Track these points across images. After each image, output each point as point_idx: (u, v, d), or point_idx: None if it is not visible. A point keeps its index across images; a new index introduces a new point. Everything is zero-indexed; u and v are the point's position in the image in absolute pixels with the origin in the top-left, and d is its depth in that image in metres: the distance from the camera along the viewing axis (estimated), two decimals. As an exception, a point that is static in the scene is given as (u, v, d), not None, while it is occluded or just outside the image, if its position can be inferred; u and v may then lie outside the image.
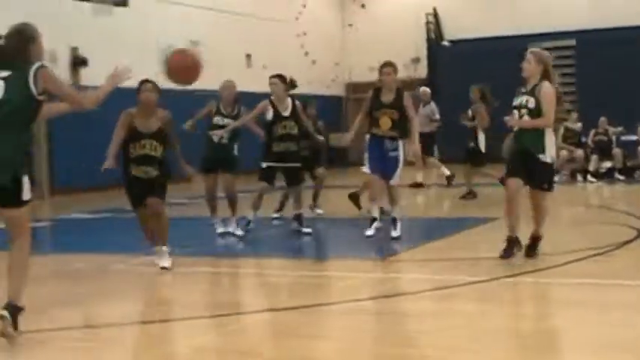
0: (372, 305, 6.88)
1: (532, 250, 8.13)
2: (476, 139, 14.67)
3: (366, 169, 9.91)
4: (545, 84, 7.73)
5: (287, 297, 7.25)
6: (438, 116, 17.17)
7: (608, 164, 18.46)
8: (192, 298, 7.49)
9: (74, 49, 18.96)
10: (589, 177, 17.97)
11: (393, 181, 9.74)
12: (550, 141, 7.85)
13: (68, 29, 18.19)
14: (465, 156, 14.79)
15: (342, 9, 28.42)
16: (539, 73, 7.78)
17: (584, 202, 15.24)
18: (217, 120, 10.54)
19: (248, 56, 23.85)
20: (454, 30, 26.60)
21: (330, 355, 5.41)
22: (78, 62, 19.04)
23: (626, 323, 5.88)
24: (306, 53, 25.24)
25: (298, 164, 10.51)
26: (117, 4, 17.01)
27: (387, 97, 9.63)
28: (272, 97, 10.42)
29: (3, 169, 5.41)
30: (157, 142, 8.14)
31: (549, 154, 7.86)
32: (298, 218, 10.65)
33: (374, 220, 9.78)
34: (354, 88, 26.94)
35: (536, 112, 7.73)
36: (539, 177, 7.90)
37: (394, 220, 9.77)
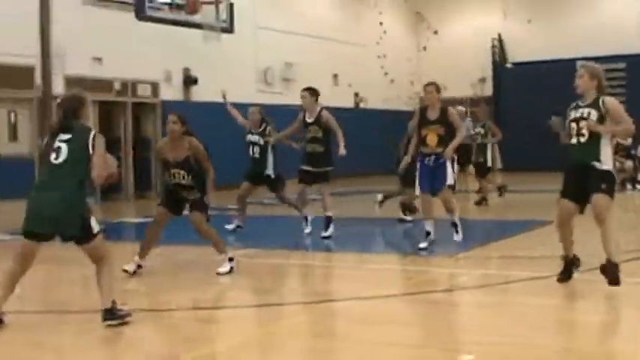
0: (443, 297, 6.74)
1: (613, 278, 6.47)
2: (484, 153, 14.47)
3: (417, 189, 9.27)
4: (608, 97, 6.72)
5: (368, 287, 7.11)
6: (472, 131, 16.70)
7: (656, 174, 17.88)
8: (267, 286, 7.51)
9: (186, 70, 19.22)
10: (637, 186, 17.44)
11: (448, 182, 9.08)
12: (607, 153, 6.66)
13: (182, 52, 18.47)
14: (474, 168, 14.94)
15: (417, 34, 28.24)
16: (594, 88, 6.72)
17: (634, 208, 14.75)
18: (249, 137, 10.92)
19: (335, 76, 23.83)
20: (516, 53, 26.38)
21: (408, 339, 5.34)
22: (189, 81, 19.31)
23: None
24: (386, 73, 25.19)
25: (322, 169, 10.10)
26: (224, 31, 17.17)
27: (433, 114, 9.08)
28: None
29: (72, 222, 5.56)
30: (184, 170, 7.65)
31: (606, 164, 6.62)
32: (327, 220, 10.13)
33: (427, 234, 9.04)
34: (427, 104, 26.70)
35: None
36: (596, 179, 6.52)
37: (454, 224, 9.33)
